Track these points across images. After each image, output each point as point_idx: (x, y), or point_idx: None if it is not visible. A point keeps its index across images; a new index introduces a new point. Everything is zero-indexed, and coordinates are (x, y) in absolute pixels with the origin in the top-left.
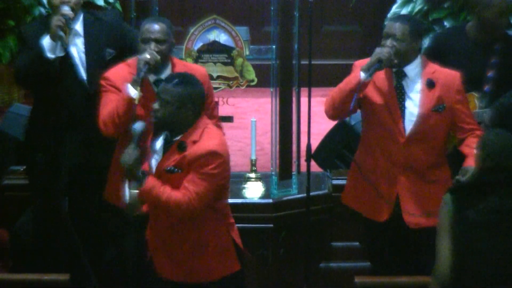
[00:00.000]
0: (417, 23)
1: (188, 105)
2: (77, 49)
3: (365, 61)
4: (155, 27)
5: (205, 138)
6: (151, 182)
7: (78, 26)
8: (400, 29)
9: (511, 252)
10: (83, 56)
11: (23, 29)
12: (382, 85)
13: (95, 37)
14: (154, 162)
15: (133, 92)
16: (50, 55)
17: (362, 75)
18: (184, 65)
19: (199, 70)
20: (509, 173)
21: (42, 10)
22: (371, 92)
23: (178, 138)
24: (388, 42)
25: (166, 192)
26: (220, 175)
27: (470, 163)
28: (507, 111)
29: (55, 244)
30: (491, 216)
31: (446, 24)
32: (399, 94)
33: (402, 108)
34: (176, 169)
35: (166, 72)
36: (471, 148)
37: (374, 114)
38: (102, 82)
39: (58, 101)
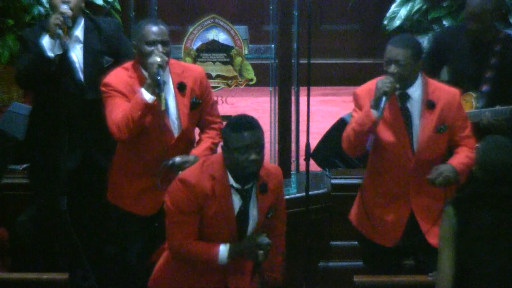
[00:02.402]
0: (417, 45)
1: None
2: (76, 55)
3: (365, 88)
4: (161, 29)
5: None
6: None
7: (79, 32)
8: (403, 55)
9: None
10: (81, 61)
11: (23, 33)
12: (387, 112)
13: (94, 44)
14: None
15: (148, 97)
16: (50, 53)
17: (374, 112)
18: (180, 65)
19: (196, 69)
20: (510, 185)
21: (41, 9)
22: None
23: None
24: (392, 68)
25: None
26: None
27: (451, 162)
28: None
29: (55, 243)
30: (493, 227)
31: (445, 23)
32: (405, 117)
33: (409, 131)
34: None
35: (165, 73)
36: (458, 153)
37: (381, 143)
38: (103, 89)
39: (56, 103)
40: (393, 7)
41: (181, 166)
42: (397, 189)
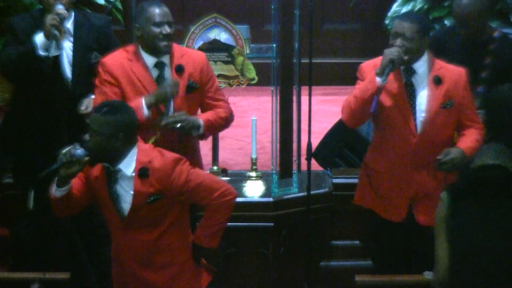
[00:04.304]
0: (424, 21)
1: (119, 134)
2: (66, 48)
3: (371, 63)
4: (166, 10)
5: (157, 155)
6: None
7: (69, 25)
8: (409, 28)
9: (508, 249)
10: (70, 55)
11: (12, 21)
12: (392, 85)
13: (84, 38)
14: (124, 204)
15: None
16: (42, 52)
17: (379, 79)
18: (181, 49)
19: (197, 55)
20: (505, 171)
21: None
22: (381, 96)
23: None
24: (398, 41)
25: None
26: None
27: (459, 145)
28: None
29: (55, 243)
30: (487, 213)
31: (447, 22)
32: (409, 92)
33: (412, 106)
34: (158, 196)
35: (167, 56)
36: (466, 136)
37: (384, 116)
38: (100, 69)
39: (40, 99)
40: (394, 7)
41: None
42: (399, 165)
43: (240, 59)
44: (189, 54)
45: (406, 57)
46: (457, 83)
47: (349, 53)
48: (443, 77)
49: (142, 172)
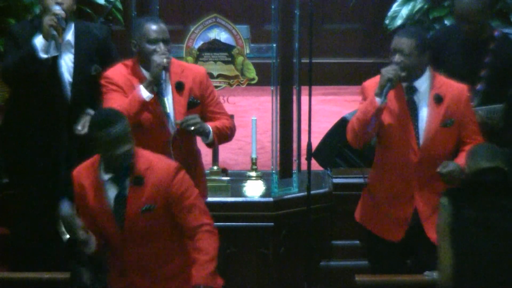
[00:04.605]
0: (423, 36)
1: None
2: (66, 60)
3: (373, 81)
4: (162, 27)
5: (158, 161)
6: None
7: (70, 37)
8: (407, 44)
9: (509, 252)
10: (71, 67)
11: (13, 28)
12: (394, 104)
13: (85, 50)
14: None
15: (146, 95)
16: (42, 54)
17: (378, 100)
18: (181, 65)
19: (196, 69)
20: (501, 172)
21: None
22: (383, 115)
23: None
24: (396, 57)
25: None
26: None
27: (457, 161)
28: None
29: (55, 243)
30: (488, 215)
31: (447, 22)
32: (411, 110)
33: (415, 125)
34: (151, 206)
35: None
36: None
37: (387, 134)
38: (103, 82)
39: (38, 99)
40: (394, 6)
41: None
42: (401, 184)
43: (240, 59)
44: (189, 69)
45: (403, 74)
46: (458, 100)
47: (349, 53)
48: (444, 95)
49: (137, 181)
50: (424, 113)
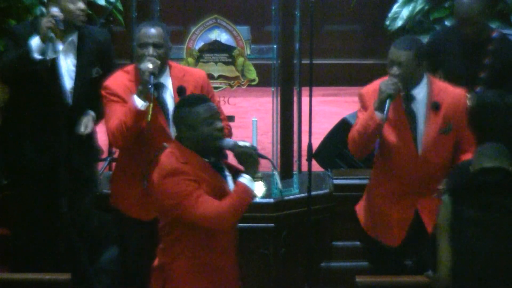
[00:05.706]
0: (420, 46)
1: None
2: (67, 62)
3: (370, 88)
4: (152, 32)
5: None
6: None
7: (74, 39)
8: (404, 56)
9: (507, 252)
10: (72, 69)
11: (14, 28)
12: (392, 113)
13: (87, 53)
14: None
15: (140, 104)
16: (36, 55)
17: (379, 115)
18: (182, 69)
19: (197, 73)
20: (505, 172)
21: (43, 9)
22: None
23: None
24: (394, 69)
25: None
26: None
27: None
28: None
29: (55, 243)
30: (489, 215)
31: (447, 23)
32: (409, 119)
33: (414, 133)
34: None
35: (164, 76)
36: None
37: (386, 143)
38: (103, 92)
39: (38, 101)
40: (395, 8)
41: None
42: (402, 189)
43: (240, 60)
44: (190, 73)
45: (402, 87)
46: (456, 106)
47: (349, 54)
48: (442, 102)
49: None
50: (422, 121)
